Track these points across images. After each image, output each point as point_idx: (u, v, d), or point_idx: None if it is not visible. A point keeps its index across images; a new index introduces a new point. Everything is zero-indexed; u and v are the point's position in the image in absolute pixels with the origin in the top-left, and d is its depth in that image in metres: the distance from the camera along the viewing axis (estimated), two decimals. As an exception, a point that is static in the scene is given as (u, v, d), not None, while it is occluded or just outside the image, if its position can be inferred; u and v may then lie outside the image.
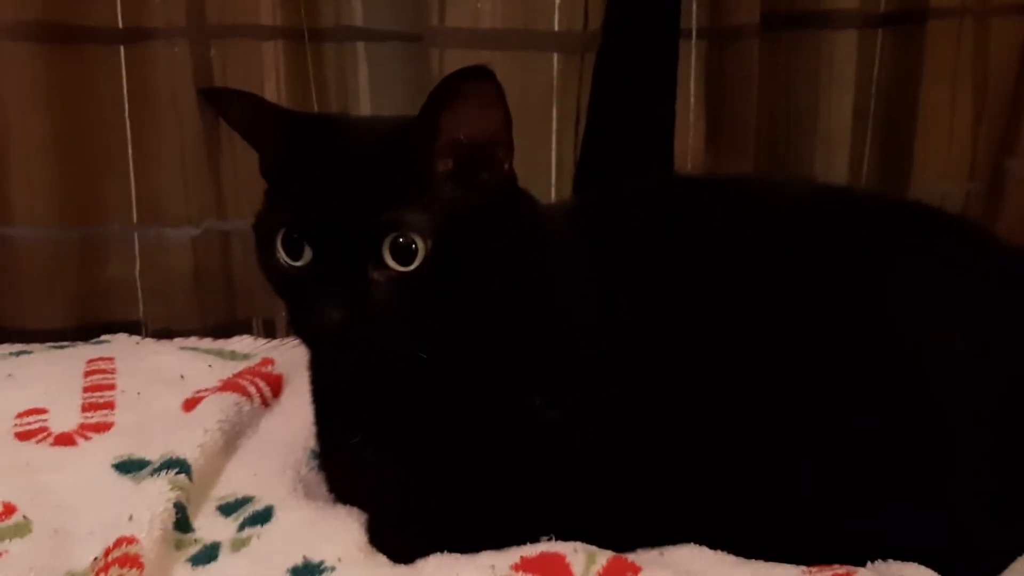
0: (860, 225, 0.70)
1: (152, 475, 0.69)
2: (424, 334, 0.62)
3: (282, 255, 0.63)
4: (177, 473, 0.69)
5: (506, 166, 0.65)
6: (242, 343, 1.07)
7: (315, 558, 0.61)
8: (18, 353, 0.99)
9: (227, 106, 0.67)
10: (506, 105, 0.62)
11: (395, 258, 0.60)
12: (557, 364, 0.67)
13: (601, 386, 0.67)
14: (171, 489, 0.67)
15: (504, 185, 0.65)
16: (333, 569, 0.60)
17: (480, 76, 0.60)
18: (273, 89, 1.15)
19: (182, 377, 0.93)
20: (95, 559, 0.61)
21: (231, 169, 1.18)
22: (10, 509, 0.67)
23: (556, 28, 1.16)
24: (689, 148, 1.22)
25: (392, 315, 0.61)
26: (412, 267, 0.60)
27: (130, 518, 0.63)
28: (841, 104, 1.20)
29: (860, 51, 1.18)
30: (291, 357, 0.95)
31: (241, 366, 0.95)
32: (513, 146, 0.65)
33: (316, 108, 1.19)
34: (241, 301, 1.23)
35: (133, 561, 0.58)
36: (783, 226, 0.71)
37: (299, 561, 0.61)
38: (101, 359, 0.96)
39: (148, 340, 1.09)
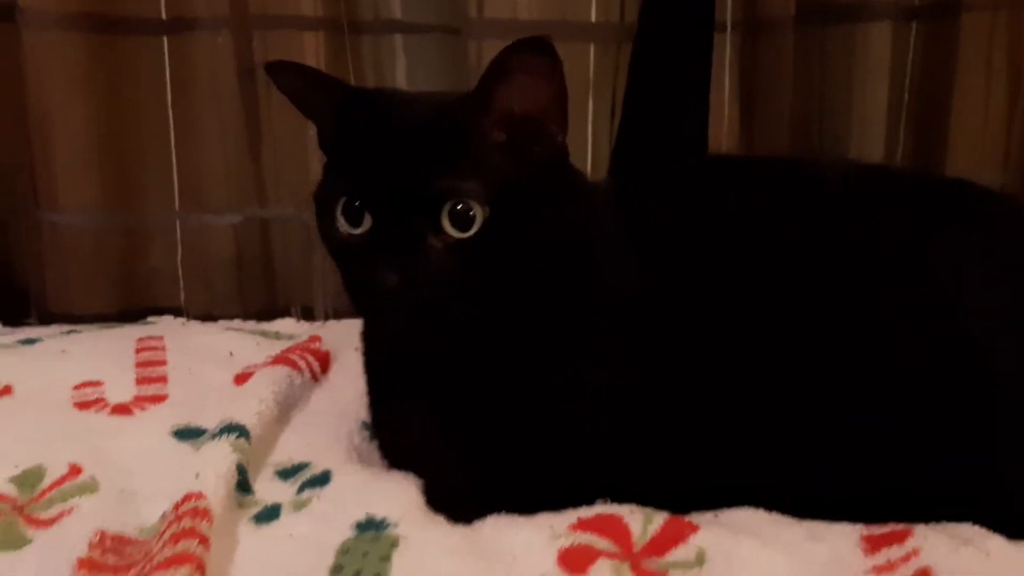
0: (909, 195, 0.71)
1: (213, 439, 0.70)
2: (478, 299, 0.63)
3: (342, 223, 0.65)
4: (237, 437, 0.70)
5: (559, 139, 0.66)
6: (285, 324, 1.09)
7: (378, 515, 0.62)
8: (68, 332, 1.01)
9: (289, 80, 0.68)
10: (562, 79, 0.64)
11: (453, 225, 0.62)
12: (605, 331, 0.68)
13: (647, 353, 0.68)
14: (232, 451, 0.68)
15: (557, 158, 0.67)
16: (396, 525, 0.61)
17: (539, 49, 0.61)
18: (314, 79, 1.16)
19: (231, 354, 0.95)
20: (164, 514, 0.62)
21: (271, 158, 1.20)
22: (76, 470, 0.69)
23: (593, 19, 1.19)
24: (723, 139, 1.23)
25: (449, 280, 0.62)
26: (469, 234, 0.62)
27: (196, 476, 0.64)
28: (875, 96, 1.21)
29: (894, 43, 1.19)
30: (337, 336, 0.97)
31: (287, 345, 0.97)
32: (567, 120, 0.66)
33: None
34: (281, 288, 1.25)
35: (203, 515, 0.59)
36: (832, 199, 0.71)
37: (362, 517, 0.62)
38: (150, 338, 0.98)
39: (193, 322, 1.11)
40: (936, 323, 0.64)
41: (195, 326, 1.07)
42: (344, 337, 0.96)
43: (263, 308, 1.23)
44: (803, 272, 0.67)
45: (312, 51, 1.16)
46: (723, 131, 1.25)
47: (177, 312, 1.20)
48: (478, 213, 0.62)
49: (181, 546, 0.55)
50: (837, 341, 0.66)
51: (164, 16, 1.17)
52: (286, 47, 1.16)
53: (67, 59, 1.13)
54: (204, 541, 0.57)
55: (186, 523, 0.58)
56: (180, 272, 1.23)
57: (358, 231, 0.64)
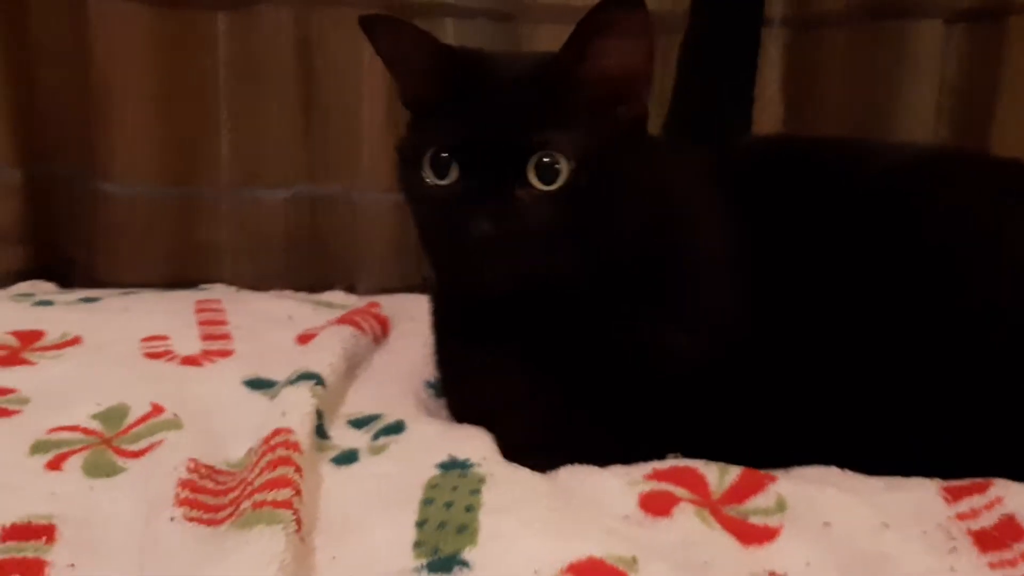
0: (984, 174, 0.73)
1: (292, 384, 0.71)
2: (563, 251, 0.64)
3: (429, 174, 0.66)
4: (315, 384, 0.71)
5: (644, 99, 0.68)
6: (335, 296, 1.10)
7: (460, 455, 0.63)
8: (127, 293, 1.02)
9: (382, 34, 0.70)
10: (652, 38, 0.65)
11: (539, 177, 0.63)
12: (682, 289, 0.70)
13: (722, 312, 0.69)
14: (312, 396, 0.69)
15: (640, 118, 0.68)
16: (480, 465, 0.62)
17: (631, 5, 0.63)
18: (370, 57, 1.18)
19: (290, 317, 0.96)
20: (251, 449, 0.63)
21: (323, 135, 1.22)
22: (158, 408, 0.70)
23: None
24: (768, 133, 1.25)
25: (535, 230, 0.63)
26: (555, 187, 0.63)
27: (283, 414, 0.65)
28: (922, 95, 1.22)
29: (943, 43, 1.21)
30: (390, 307, 0.99)
31: (341, 312, 0.98)
32: (652, 80, 0.68)
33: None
34: (326, 265, 1.26)
35: (294, 447, 0.61)
36: (902, 173, 0.73)
37: (445, 458, 0.63)
38: (208, 300, 0.99)
39: (244, 290, 1.12)
40: (1002, 287, 0.65)
41: (248, 293, 1.09)
42: (397, 309, 0.98)
43: (307, 284, 1.24)
44: (884, 237, 0.69)
45: (370, 31, 1.17)
46: (768, 126, 1.27)
47: (223, 285, 1.21)
48: (564, 167, 0.63)
49: (279, 471, 0.56)
50: (903, 302, 0.67)
51: (227, -9, 1.18)
52: (344, 25, 1.18)
53: (131, 31, 1.15)
54: (299, 470, 0.58)
55: (280, 452, 0.59)
56: (229, 245, 1.25)
57: (444, 182, 0.65)
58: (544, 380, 0.69)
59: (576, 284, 0.65)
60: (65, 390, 0.73)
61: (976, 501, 0.57)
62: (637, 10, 0.63)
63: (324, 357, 0.77)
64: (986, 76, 1.25)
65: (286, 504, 0.52)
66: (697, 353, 0.68)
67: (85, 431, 0.67)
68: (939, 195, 0.70)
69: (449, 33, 1.25)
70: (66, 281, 1.22)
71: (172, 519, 0.53)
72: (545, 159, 0.63)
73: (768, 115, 1.27)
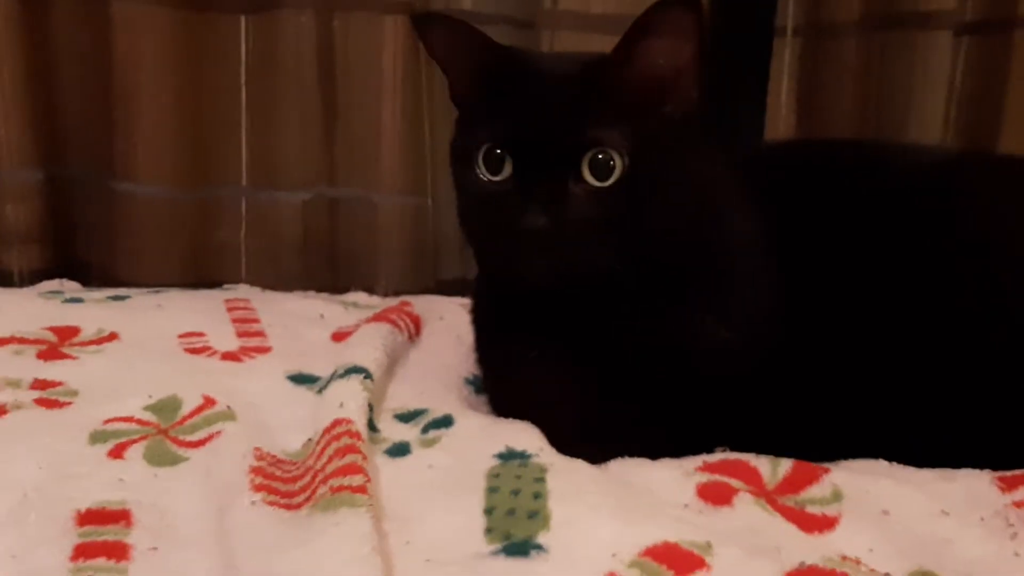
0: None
1: (342, 377, 0.72)
2: (614, 246, 0.65)
3: (482, 170, 0.67)
4: (365, 378, 0.72)
5: (695, 96, 0.69)
6: (359, 297, 1.11)
7: (517, 447, 0.64)
8: (155, 291, 1.02)
9: (434, 32, 0.71)
10: (702, 38, 0.67)
11: (592, 173, 0.64)
12: (724, 285, 0.71)
13: (761, 308, 0.71)
14: (363, 389, 0.70)
15: (691, 115, 0.70)
16: (537, 455, 0.63)
17: (682, 6, 0.64)
18: (390, 60, 1.20)
19: (322, 316, 0.97)
20: (308, 440, 0.64)
21: (344, 139, 1.22)
22: (211, 401, 0.70)
23: (664, 16, 1.22)
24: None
25: (588, 225, 0.65)
26: (608, 183, 0.65)
27: (341, 405, 0.65)
28: (932, 105, 1.25)
29: (952, 54, 1.23)
30: (420, 305, 0.99)
31: (370, 312, 0.98)
32: (703, 79, 0.69)
33: (424, 82, 1.23)
34: (342, 268, 1.26)
35: (357, 436, 0.61)
36: (936, 177, 0.75)
37: (502, 449, 0.64)
38: (237, 299, 1.00)
39: (269, 291, 1.12)
40: None
41: (274, 294, 1.09)
42: (424, 309, 0.99)
43: (323, 286, 1.24)
44: (920, 234, 0.71)
45: (391, 34, 1.19)
46: (779, 133, 1.29)
47: (241, 287, 1.21)
48: (617, 163, 0.64)
49: (348, 458, 0.57)
50: (948, 304, 0.69)
51: (251, -7, 1.19)
52: (366, 29, 1.19)
53: (154, 33, 1.15)
54: (365, 458, 0.58)
55: (346, 440, 0.60)
56: (246, 247, 1.25)
57: (498, 178, 0.66)
58: (590, 374, 0.70)
59: (623, 278, 0.66)
60: (112, 383, 0.73)
61: (1033, 489, 0.59)
62: (690, 11, 0.64)
63: (368, 352, 0.78)
64: (994, 87, 1.29)
65: (362, 489, 0.53)
66: (739, 348, 0.69)
67: (140, 422, 0.67)
68: (972, 194, 0.72)
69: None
70: (82, 281, 1.22)
71: (253, 503, 0.53)
72: (599, 155, 0.64)
73: (779, 122, 1.29)
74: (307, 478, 0.58)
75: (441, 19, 0.71)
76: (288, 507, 0.54)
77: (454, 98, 0.74)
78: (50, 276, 1.18)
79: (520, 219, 0.64)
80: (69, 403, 0.70)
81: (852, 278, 0.71)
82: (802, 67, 1.29)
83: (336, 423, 0.63)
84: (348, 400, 0.67)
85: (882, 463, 0.66)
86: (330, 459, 0.57)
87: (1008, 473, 0.61)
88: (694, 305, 0.70)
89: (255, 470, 0.57)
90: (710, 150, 0.73)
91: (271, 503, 0.54)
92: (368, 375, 0.73)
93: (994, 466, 0.64)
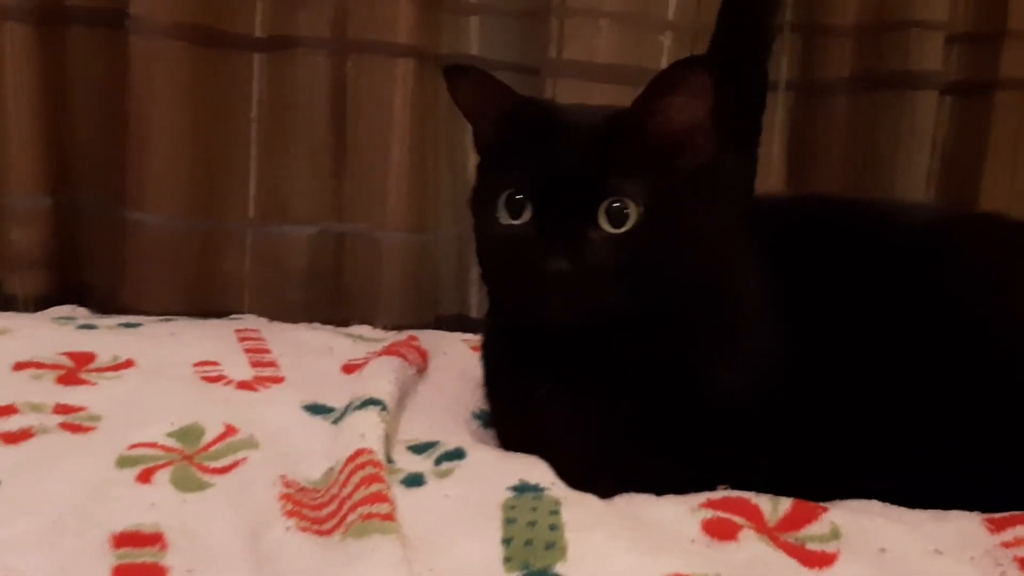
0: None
1: (359, 408, 0.74)
2: (629, 292, 0.69)
3: (503, 214, 0.71)
4: (382, 410, 0.74)
5: (709, 150, 0.73)
6: (363, 329, 1.13)
7: (531, 480, 0.67)
8: (166, 319, 1.04)
9: (465, 83, 0.75)
10: (715, 97, 0.71)
11: (609, 221, 0.68)
12: (730, 330, 0.74)
13: (764, 354, 0.74)
14: (380, 421, 0.72)
15: (706, 167, 0.73)
16: (550, 489, 0.65)
17: (699, 67, 0.68)
18: (400, 102, 1.24)
19: (331, 348, 0.99)
20: (330, 469, 0.66)
21: (354, 175, 1.26)
22: (232, 429, 0.73)
23: (663, 65, 1.27)
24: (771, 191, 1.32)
25: (605, 271, 0.68)
26: (623, 230, 0.68)
27: (362, 435, 0.68)
28: (917, 160, 1.31)
29: (938, 113, 1.29)
30: (424, 340, 1.02)
31: (377, 345, 1.01)
32: (716, 135, 0.73)
33: (432, 124, 1.27)
34: (345, 302, 1.29)
35: (379, 466, 0.64)
36: (922, 236, 0.79)
37: (516, 482, 0.66)
38: (247, 329, 1.02)
39: (276, 322, 1.14)
40: None
41: (282, 325, 1.11)
42: (429, 344, 1.02)
43: (325, 319, 1.27)
44: (915, 288, 0.74)
45: (402, 76, 1.23)
46: (771, 185, 1.34)
47: (244, 319, 1.24)
48: (632, 212, 0.68)
49: (375, 487, 0.60)
50: (941, 357, 0.72)
51: (264, 34, 1.23)
52: (378, 71, 1.23)
53: (170, 67, 1.18)
54: (389, 487, 0.61)
55: (370, 470, 0.62)
56: (251, 279, 1.27)
57: (518, 222, 0.70)
58: (599, 411, 0.73)
59: (635, 320, 0.70)
60: (134, 409, 0.75)
61: (1020, 531, 0.62)
62: (703, 72, 0.68)
63: (382, 385, 0.80)
64: (976, 144, 1.35)
65: (390, 517, 0.56)
66: (742, 391, 0.73)
67: (165, 448, 0.69)
68: (966, 253, 0.77)
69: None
70: (86, 307, 1.23)
71: (287, 529, 0.55)
72: (616, 204, 0.68)
73: (771, 174, 1.34)
74: (333, 505, 0.60)
75: (470, 71, 0.74)
76: (320, 532, 0.56)
77: (478, 146, 0.78)
78: (54, 302, 1.20)
79: (542, 262, 0.67)
80: (93, 427, 0.72)
81: (849, 330, 0.74)
82: (794, 121, 1.34)
83: (359, 452, 0.65)
84: (368, 431, 0.69)
85: (877, 503, 0.69)
86: (356, 487, 0.60)
87: (996, 515, 0.64)
88: (701, 348, 0.73)
89: (285, 497, 0.60)
90: (722, 202, 0.77)
91: (304, 529, 0.56)
92: (384, 407, 0.76)
93: (983, 508, 0.68)
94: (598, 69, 1.25)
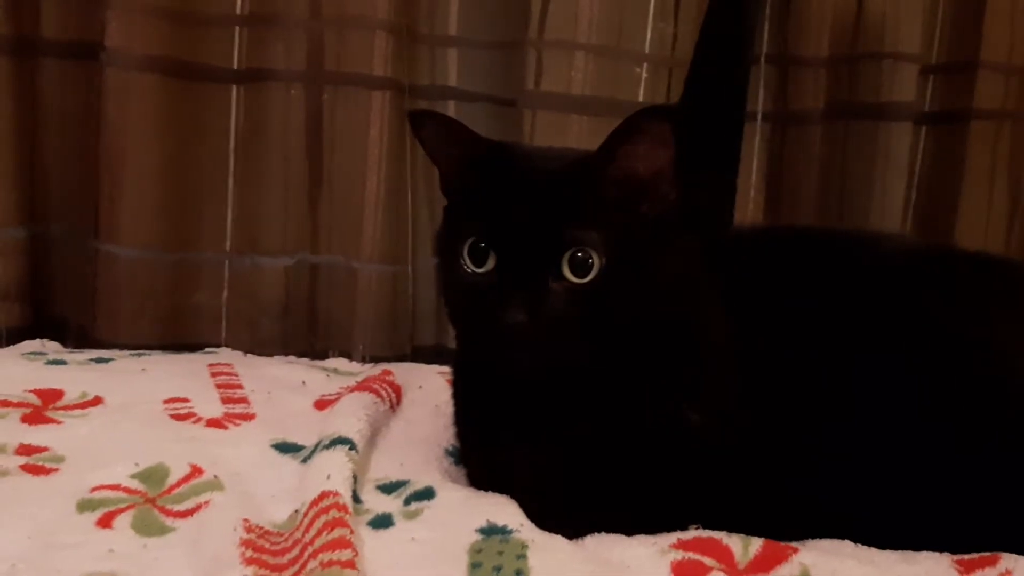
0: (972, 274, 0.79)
1: (327, 448, 0.73)
2: (591, 340, 0.69)
3: (467, 262, 0.70)
4: (350, 449, 0.74)
5: (671, 198, 0.73)
6: (339, 363, 1.13)
7: (499, 522, 0.66)
8: (138, 354, 1.03)
9: (430, 128, 0.74)
10: (676, 146, 0.70)
11: (572, 271, 0.68)
12: (698, 373, 0.74)
13: (731, 396, 0.74)
14: (348, 461, 0.72)
15: (668, 215, 0.73)
16: (518, 531, 0.65)
17: (659, 117, 0.68)
18: (376, 134, 1.24)
19: (304, 383, 0.98)
20: (296, 511, 0.65)
21: (328, 207, 1.26)
22: (198, 470, 0.72)
23: (640, 99, 1.28)
24: (748, 220, 1.32)
25: (567, 320, 0.68)
26: (586, 280, 0.68)
27: (328, 477, 0.67)
28: (893, 190, 1.32)
29: (913, 143, 1.30)
30: (399, 373, 1.01)
31: (351, 380, 1.00)
32: (679, 183, 0.72)
33: (409, 153, 1.27)
34: (322, 333, 1.28)
35: (344, 509, 0.63)
36: (893, 268, 0.79)
37: (484, 524, 0.66)
38: (220, 364, 1.01)
39: (251, 355, 1.13)
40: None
41: (256, 358, 1.10)
42: (404, 377, 1.01)
43: (301, 351, 1.27)
44: (883, 326, 0.74)
45: (378, 108, 1.23)
46: (748, 212, 1.34)
47: (219, 350, 1.23)
48: (595, 261, 0.68)
49: (337, 532, 0.59)
50: (912, 394, 0.72)
51: (239, 66, 1.23)
52: (354, 103, 1.23)
53: (145, 100, 1.18)
54: (352, 532, 0.60)
55: (334, 514, 0.61)
56: (226, 310, 1.26)
57: (481, 270, 0.70)
58: (567, 452, 0.72)
59: (600, 368, 0.69)
60: (98, 449, 0.75)
61: (989, 573, 0.62)
62: (663, 121, 0.68)
63: (352, 423, 0.79)
64: (952, 173, 1.36)
65: (351, 564, 0.55)
66: (709, 432, 0.72)
67: (127, 490, 0.68)
68: (942, 289, 0.77)
69: (451, 114, 1.30)
70: (59, 340, 1.22)
71: (244, 577, 0.55)
72: (579, 254, 0.68)
73: (748, 204, 1.35)
74: (295, 551, 0.59)
75: (434, 116, 0.74)
76: (279, 581, 0.55)
77: (444, 189, 0.78)
78: (27, 334, 1.19)
79: (501, 314, 0.67)
80: (56, 469, 0.71)
81: (820, 365, 0.74)
82: (770, 152, 1.35)
83: (323, 495, 0.64)
84: (334, 472, 0.68)
85: (847, 544, 0.69)
86: (319, 532, 0.59)
87: (966, 556, 0.64)
88: (667, 390, 0.72)
89: (245, 543, 0.59)
90: (686, 245, 0.76)
91: (262, 578, 0.55)
92: (353, 446, 0.75)
93: (952, 549, 0.67)
94: (575, 101, 1.26)
